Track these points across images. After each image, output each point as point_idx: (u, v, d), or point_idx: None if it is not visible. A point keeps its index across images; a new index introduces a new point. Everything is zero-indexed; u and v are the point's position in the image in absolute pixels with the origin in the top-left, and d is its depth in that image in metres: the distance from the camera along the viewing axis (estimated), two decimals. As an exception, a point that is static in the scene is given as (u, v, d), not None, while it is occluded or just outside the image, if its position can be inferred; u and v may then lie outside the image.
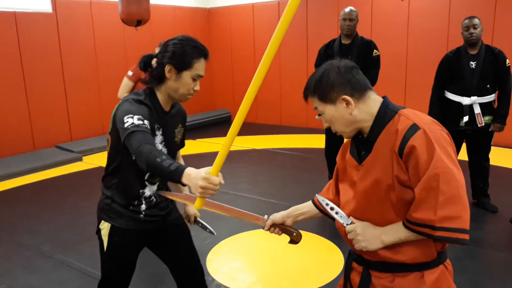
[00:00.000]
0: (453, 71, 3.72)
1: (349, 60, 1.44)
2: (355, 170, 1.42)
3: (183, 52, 1.71)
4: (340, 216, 1.43)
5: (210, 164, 1.41)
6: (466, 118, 3.64)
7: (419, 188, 1.23)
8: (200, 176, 1.37)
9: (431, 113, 3.82)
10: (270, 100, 8.26)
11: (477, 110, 3.62)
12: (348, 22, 3.93)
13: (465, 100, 3.66)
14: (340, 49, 4.00)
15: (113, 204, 1.85)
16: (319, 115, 1.47)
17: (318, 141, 6.82)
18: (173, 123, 1.90)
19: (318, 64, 4.12)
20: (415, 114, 1.33)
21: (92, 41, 7.07)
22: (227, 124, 8.81)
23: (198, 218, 2.17)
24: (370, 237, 1.35)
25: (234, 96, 9.01)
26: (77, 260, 3.29)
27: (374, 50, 3.97)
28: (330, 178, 4.31)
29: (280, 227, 1.65)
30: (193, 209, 2.15)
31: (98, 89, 7.24)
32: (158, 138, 1.80)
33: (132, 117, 1.61)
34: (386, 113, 1.35)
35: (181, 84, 1.74)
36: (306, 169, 5.53)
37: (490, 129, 3.69)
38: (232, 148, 6.65)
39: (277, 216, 1.66)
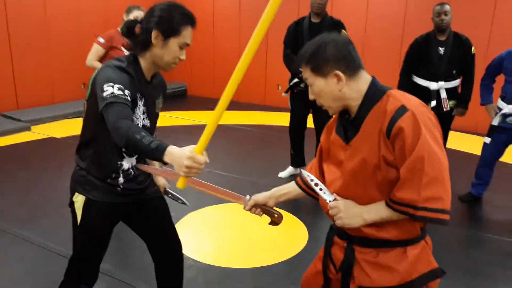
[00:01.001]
0: (422, 56, 3.84)
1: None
2: (342, 150, 1.44)
3: (171, 18, 1.62)
4: (324, 192, 1.46)
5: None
6: (433, 103, 3.78)
7: (404, 169, 1.27)
8: (185, 155, 1.33)
9: None
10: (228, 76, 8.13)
11: (443, 95, 3.77)
12: (319, 0, 3.91)
13: (433, 85, 3.80)
14: (309, 27, 3.99)
15: (89, 176, 1.75)
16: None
17: (276, 119, 6.88)
18: (155, 93, 1.82)
19: (287, 41, 4.09)
20: (403, 95, 1.35)
21: (42, 6, 6.59)
22: (183, 98, 8.63)
23: (167, 189, 2.12)
24: (352, 214, 1.39)
25: (192, 69, 8.81)
26: (35, 235, 3.14)
27: (343, 30, 4.00)
28: (291, 155, 4.37)
29: (261, 208, 1.65)
30: (162, 180, 2.09)
31: (48, 57, 6.81)
32: (140, 108, 1.72)
33: (113, 86, 1.52)
34: (374, 93, 1.37)
35: (167, 52, 1.65)
36: (266, 145, 5.57)
37: (453, 114, 3.88)
38: (191, 123, 6.55)
39: (260, 197, 1.66)
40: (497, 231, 3.39)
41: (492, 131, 3.70)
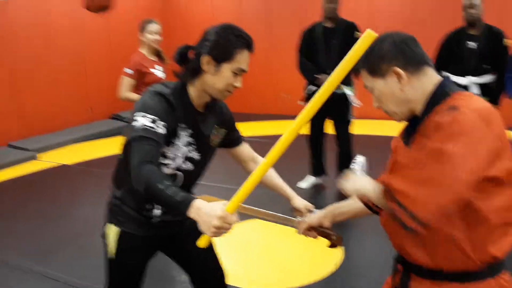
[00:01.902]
0: (452, 52, 3.70)
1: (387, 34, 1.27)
2: (403, 151, 1.28)
3: (226, 41, 1.46)
4: (358, 166, 1.32)
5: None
6: None
7: (411, 156, 1.17)
8: (216, 214, 1.20)
9: None
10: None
11: (474, 90, 3.59)
12: (331, 5, 3.83)
13: (462, 80, 3.63)
14: (324, 32, 3.90)
15: (123, 206, 1.64)
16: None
17: (277, 128, 6.68)
18: (209, 124, 1.64)
19: (301, 49, 3.98)
20: (469, 97, 1.17)
21: (43, 32, 6.52)
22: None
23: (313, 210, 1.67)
24: (359, 180, 1.22)
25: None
26: (51, 269, 2.96)
27: (356, 32, 3.88)
28: (313, 164, 4.21)
29: (317, 230, 1.51)
30: (302, 200, 1.73)
31: (52, 81, 6.71)
32: (183, 139, 1.56)
33: (145, 116, 1.41)
34: (440, 95, 1.19)
35: (219, 78, 1.48)
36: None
37: None
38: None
39: (313, 218, 1.51)
40: None
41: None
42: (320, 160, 4.21)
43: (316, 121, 4.08)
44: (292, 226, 1.52)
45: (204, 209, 1.22)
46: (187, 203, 1.23)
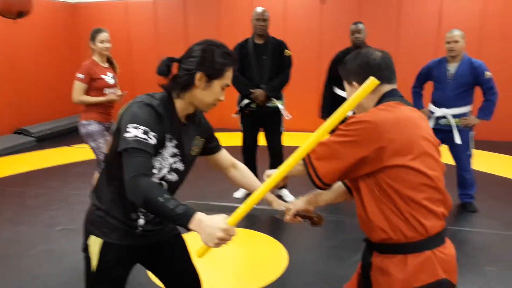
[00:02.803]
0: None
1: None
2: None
3: (214, 59, 1.55)
4: None
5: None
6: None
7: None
8: (220, 226, 1.28)
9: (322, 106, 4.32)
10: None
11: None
12: (261, 23, 4.03)
13: (343, 93, 4.05)
14: (254, 48, 4.09)
15: (107, 217, 1.63)
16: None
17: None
18: (191, 135, 1.72)
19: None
20: (376, 109, 1.45)
21: None
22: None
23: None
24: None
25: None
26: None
27: (285, 50, 4.15)
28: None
29: (301, 215, 1.66)
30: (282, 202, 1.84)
31: None
32: (169, 150, 1.61)
33: (137, 127, 1.45)
34: (377, 103, 1.50)
35: (209, 94, 1.58)
36: (209, 168, 5.46)
37: None
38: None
39: (299, 205, 1.67)
40: (447, 222, 3.71)
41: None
42: (253, 169, 4.38)
43: (250, 133, 4.28)
44: (278, 216, 1.67)
45: (206, 221, 1.28)
46: (188, 216, 1.29)
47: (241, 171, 1.92)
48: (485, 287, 2.82)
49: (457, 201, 4.10)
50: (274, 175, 1.38)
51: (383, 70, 1.49)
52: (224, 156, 1.92)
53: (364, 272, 1.52)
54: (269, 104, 4.08)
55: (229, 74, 1.60)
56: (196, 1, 7.63)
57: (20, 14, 4.10)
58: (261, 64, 4.07)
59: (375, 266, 1.47)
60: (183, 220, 1.29)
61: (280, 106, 4.13)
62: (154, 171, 1.57)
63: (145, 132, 1.45)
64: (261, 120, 4.20)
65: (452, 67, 3.91)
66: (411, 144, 1.35)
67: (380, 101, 1.49)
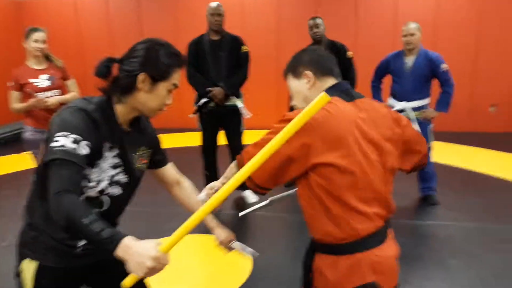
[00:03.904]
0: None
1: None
2: None
3: (158, 59, 1.40)
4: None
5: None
6: None
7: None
8: (149, 254, 1.13)
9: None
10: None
11: None
12: (216, 17, 3.87)
13: None
14: (210, 45, 3.93)
15: (41, 236, 1.47)
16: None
17: (174, 140, 6.60)
18: (135, 144, 1.55)
19: (190, 61, 3.93)
20: (330, 103, 1.34)
21: None
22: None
23: (234, 241, 1.79)
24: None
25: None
26: None
27: (242, 46, 4.02)
28: (206, 175, 4.23)
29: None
30: (225, 232, 1.77)
31: None
32: (109, 161, 1.44)
33: (66, 136, 1.28)
34: None
35: (153, 97, 1.42)
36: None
37: None
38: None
39: (216, 183, 1.64)
40: (409, 216, 3.72)
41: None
42: (214, 170, 4.25)
43: (209, 133, 4.13)
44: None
45: (135, 248, 1.14)
46: (115, 241, 1.15)
47: (185, 190, 1.79)
48: (449, 280, 2.82)
49: (418, 194, 4.11)
50: (214, 197, 1.21)
51: (325, 61, 1.49)
52: (169, 171, 1.78)
53: (306, 271, 1.50)
54: (228, 103, 3.94)
55: (176, 76, 1.45)
56: None
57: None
58: (217, 61, 3.92)
59: (315, 265, 1.45)
60: (109, 245, 1.15)
61: (240, 105, 4.00)
62: (92, 184, 1.41)
63: (76, 141, 1.29)
64: (220, 120, 4.06)
65: (409, 60, 3.90)
66: (340, 142, 1.29)
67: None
